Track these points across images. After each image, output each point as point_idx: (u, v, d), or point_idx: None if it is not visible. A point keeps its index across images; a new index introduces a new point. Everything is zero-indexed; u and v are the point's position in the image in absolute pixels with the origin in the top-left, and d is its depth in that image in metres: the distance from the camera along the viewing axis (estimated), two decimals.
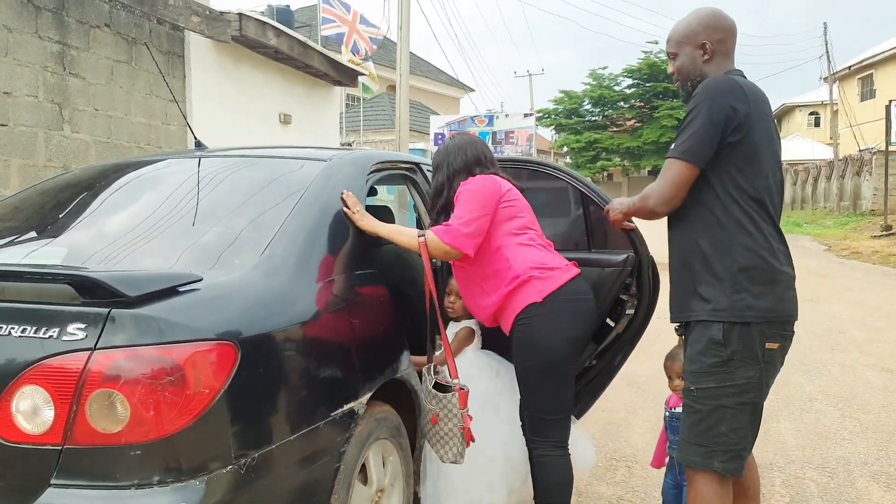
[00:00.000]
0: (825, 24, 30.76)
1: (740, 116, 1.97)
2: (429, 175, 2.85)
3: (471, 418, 2.28)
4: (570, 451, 2.43)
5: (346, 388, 2.03)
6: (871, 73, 29.04)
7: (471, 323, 2.74)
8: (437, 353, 2.52)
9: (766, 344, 2.00)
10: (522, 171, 3.25)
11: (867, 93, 29.53)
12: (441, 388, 2.29)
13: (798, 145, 38.74)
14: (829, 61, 30.40)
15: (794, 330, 2.10)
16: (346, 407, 1.99)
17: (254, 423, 1.66)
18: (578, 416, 3.09)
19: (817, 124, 42.05)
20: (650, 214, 2.17)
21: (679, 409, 2.34)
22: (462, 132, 2.77)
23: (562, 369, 2.35)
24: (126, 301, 1.50)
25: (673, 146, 2.07)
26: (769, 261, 2.01)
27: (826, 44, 30.41)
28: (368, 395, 2.13)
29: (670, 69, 2.27)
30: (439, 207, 2.52)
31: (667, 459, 2.63)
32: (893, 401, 4.49)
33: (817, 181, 26.91)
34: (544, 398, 2.36)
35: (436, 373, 2.33)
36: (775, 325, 2.01)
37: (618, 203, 2.38)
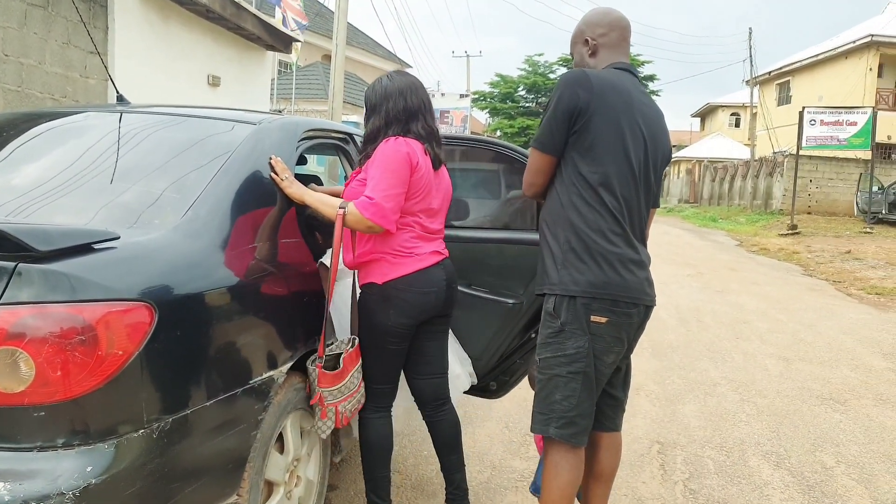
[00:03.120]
0: (750, 28, 32.10)
1: (581, 104, 2.05)
2: None
3: (345, 401, 2.29)
4: (391, 415, 2.54)
5: (266, 356, 2.00)
6: (789, 80, 30.48)
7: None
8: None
9: (592, 317, 2.08)
10: (456, 150, 3.27)
11: (784, 98, 31.00)
12: (335, 363, 2.27)
13: (718, 143, 40.43)
14: (751, 65, 31.76)
15: (633, 312, 2.16)
16: (265, 375, 1.97)
17: (169, 388, 1.62)
18: (498, 396, 3.16)
19: (738, 125, 43.94)
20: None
21: None
22: (402, 72, 2.60)
23: (383, 347, 2.42)
24: (35, 255, 1.43)
25: None
26: (596, 240, 2.09)
27: (750, 48, 31.72)
28: (289, 365, 2.11)
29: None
30: (369, 153, 2.40)
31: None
32: (787, 387, 4.79)
33: (734, 179, 28.17)
34: (368, 367, 2.42)
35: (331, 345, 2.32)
36: (601, 300, 2.09)
37: None
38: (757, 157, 28.04)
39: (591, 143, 2.09)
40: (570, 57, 2.44)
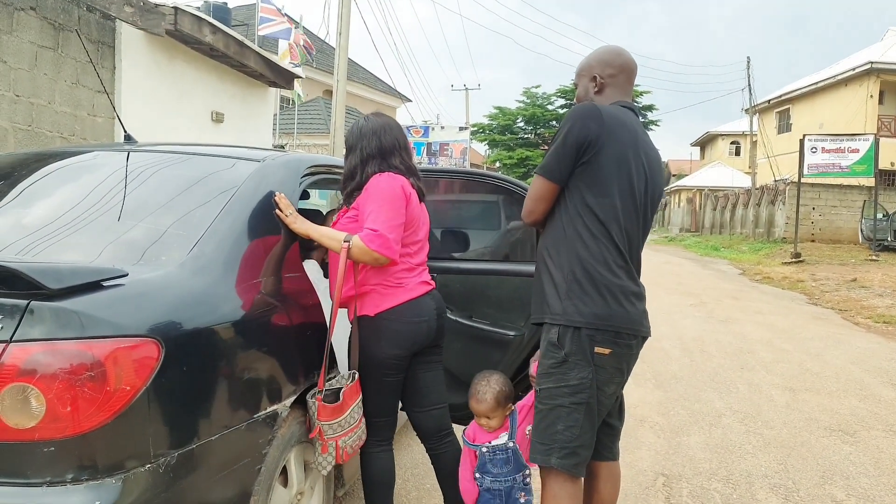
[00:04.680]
0: (748, 58, 32.31)
1: (592, 136, 2.11)
2: None
3: (346, 435, 2.29)
4: (392, 449, 2.56)
5: (270, 390, 2.02)
6: (789, 108, 30.74)
7: None
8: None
9: (595, 348, 2.11)
10: (456, 183, 3.33)
11: (784, 126, 31.23)
12: (335, 396, 2.27)
13: (719, 172, 40.60)
14: (750, 94, 31.93)
15: (633, 344, 2.20)
16: (269, 409, 1.99)
17: (175, 422, 1.64)
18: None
19: (738, 153, 44.20)
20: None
21: (495, 443, 2.46)
22: (379, 113, 2.70)
23: (379, 379, 2.44)
24: (47, 293, 1.46)
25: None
26: (601, 272, 2.13)
27: (749, 77, 31.95)
28: (292, 399, 2.13)
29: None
30: (350, 191, 2.50)
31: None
32: (794, 418, 4.76)
33: (735, 208, 28.26)
34: (366, 401, 2.44)
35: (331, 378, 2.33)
36: (604, 332, 2.12)
37: None
38: (758, 186, 28.15)
39: (599, 175, 2.13)
40: (567, 88, 2.52)
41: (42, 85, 6.02)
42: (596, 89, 2.32)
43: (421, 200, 2.55)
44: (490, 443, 2.47)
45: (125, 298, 1.61)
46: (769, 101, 31.91)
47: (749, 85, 31.73)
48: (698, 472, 3.73)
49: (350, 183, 2.50)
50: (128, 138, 2.99)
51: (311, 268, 2.71)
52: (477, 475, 2.49)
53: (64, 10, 6.22)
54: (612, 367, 2.16)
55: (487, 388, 2.47)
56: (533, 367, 2.39)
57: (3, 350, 1.42)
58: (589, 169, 2.13)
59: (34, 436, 1.42)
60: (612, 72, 2.31)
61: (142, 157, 2.56)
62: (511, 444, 2.45)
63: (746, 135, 35.55)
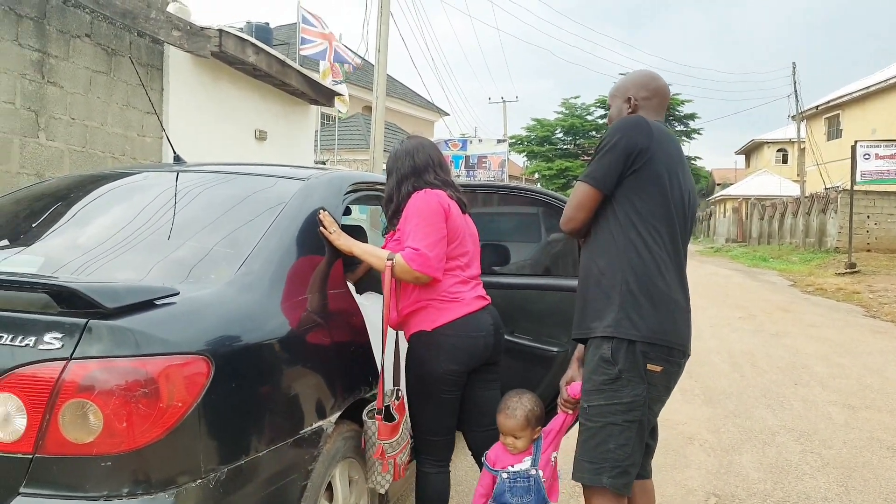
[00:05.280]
0: (794, 63, 31.61)
1: (642, 146, 2.12)
2: None
3: (401, 453, 2.29)
4: (449, 470, 2.53)
5: (315, 406, 2.04)
6: (838, 114, 29.90)
7: None
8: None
9: (648, 365, 2.07)
10: (494, 196, 3.32)
11: (834, 132, 30.38)
12: (388, 415, 2.28)
13: (765, 181, 39.69)
14: (797, 100, 31.17)
15: (682, 362, 2.18)
16: (315, 425, 2.01)
17: (225, 438, 1.67)
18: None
19: (785, 161, 43.17)
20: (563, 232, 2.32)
21: (518, 467, 2.36)
22: (414, 136, 2.77)
23: (436, 396, 2.43)
24: (104, 312, 1.51)
25: (583, 171, 2.23)
26: (656, 283, 2.10)
27: (795, 83, 31.23)
28: (337, 415, 2.15)
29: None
30: (390, 213, 2.55)
31: None
32: (854, 437, 4.56)
33: (784, 217, 27.54)
34: (423, 418, 2.44)
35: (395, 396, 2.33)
36: (658, 347, 2.08)
37: None
38: (808, 194, 27.39)
39: (650, 184, 2.13)
40: (607, 97, 2.52)
41: (95, 108, 6.24)
42: (629, 110, 2.34)
43: (464, 212, 2.56)
44: (512, 467, 2.38)
45: (177, 316, 1.65)
46: (817, 107, 31.09)
47: (795, 91, 31.01)
48: (752, 493, 3.62)
49: (390, 206, 2.55)
50: (177, 159, 3.07)
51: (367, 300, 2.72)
52: None
53: (116, 35, 6.45)
54: (662, 385, 2.13)
55: (519, 404, 2.41)
56: (568, 390, 2.33)
57: (64, 367, 1.47)
58: (640, 178, 2.12)
59: (92, 450, 1.46)
60: (647, 94, 2.34)
61: (190, 177, 2.63)
62: (534, 472, 2.36)
63: (794, 142, 34.73)
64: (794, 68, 31.39)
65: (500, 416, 2.43)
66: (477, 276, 2.56)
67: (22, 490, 1.47)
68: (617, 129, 2.17)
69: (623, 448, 2.09)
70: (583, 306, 2.22)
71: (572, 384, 2.33)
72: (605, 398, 2.10)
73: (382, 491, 2.32)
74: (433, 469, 2.48)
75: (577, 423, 2.26)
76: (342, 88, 13.62)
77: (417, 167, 2.52)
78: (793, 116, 31.99)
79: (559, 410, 2.41)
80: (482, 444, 2.56)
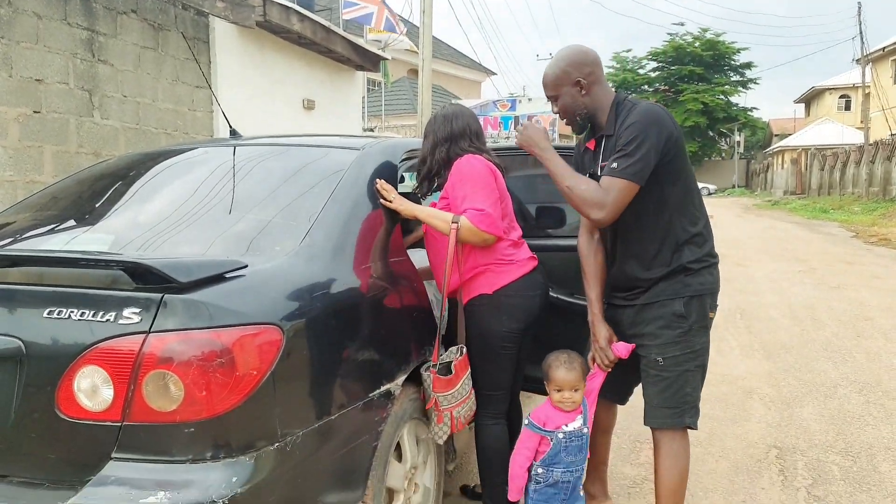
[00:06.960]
0: (859, 3, 29.95)
1: (675, 134, 2.27)
2: None
3: (459, 406, 2.35)
4: (505, 422, 2.61)
5: (383, 369, 2.10)
6: None
7: None
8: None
9: (710, 313, 2.37)
10: (530, 158, 3.28)
11: None
12: (443, 369, 2.34)
13: (827, 129, 38.13)
14: (862, 42, 29.56)
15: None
16: (383, 388, 2.07)
17: (299, 403, 1.74)
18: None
19: (848, 108, 41.27)
20: (589, 219, 2.34)
21: (572, 426, 2.38)
22: (454, 103, 2.81)
23: (498, 354, 2.51)
24: (177, 287, 1.57)
25: (618, 166, 2.22)
26: (710, 242, 2.40)
27: (860, 24, 29.61)
28: (404, 377, 2.20)
29: (553, 110, 2.47)
30: (423, 175, 2.61)
31: (537, 488, 2.40)
32: None
33: (846, 166, 26.49)
34: (483, 375, 2.51)
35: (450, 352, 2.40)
36: (714, 296, 2.39)
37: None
38: (872, 141, 26.20)
39: (685, 165, 2.33)
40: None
41: (146, 84, 6.37)
42: (584, 92, 2.35)
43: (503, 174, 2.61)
44: (566, 426, 2.39)
45: (247, 289, 1.71)
46: (884, 48, 29.52)
47: (861, 32, 29.42)
48: (813, 444, 3.59)
49: (422, 168, 2.61)
50: (233, 133, 3.13)
51: None
52: (540, 470, 2.37)
53: (161, 10, 6.53)
54: (710, 328, 2.41)
55: (573, 357, 2.42)
56: (614, 350, 2.41)
57: (144, 340, 1.54)
58: (674, 162, 2.27)
59: (176, 418, 1.54)
60: (590, 69, 2.36)
61: (247, 150, 2.67)
62: (586, 430, 2.42)
63: (858, 87, 33.14)
64: (859, 8, 29.75)
65: (557, 371, 2.39)
66: (521, 237, 2.64)
67: (113, 455, 1.56)
68: (649, 123, 2.21)
69: (697, 390, 2.38)
70: (639, 272, 2.38)
71: (616, 344, 2.43)
72: (680, 349, 2.32)
73: (440, 441, 2.41)
74: (491, 421, 2.58)
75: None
76: (386, 53, 13.53)
77: (454, 133, 2.57)
78: (857, 60, 30.46)
79: (599, 370, 2.47)
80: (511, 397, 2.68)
